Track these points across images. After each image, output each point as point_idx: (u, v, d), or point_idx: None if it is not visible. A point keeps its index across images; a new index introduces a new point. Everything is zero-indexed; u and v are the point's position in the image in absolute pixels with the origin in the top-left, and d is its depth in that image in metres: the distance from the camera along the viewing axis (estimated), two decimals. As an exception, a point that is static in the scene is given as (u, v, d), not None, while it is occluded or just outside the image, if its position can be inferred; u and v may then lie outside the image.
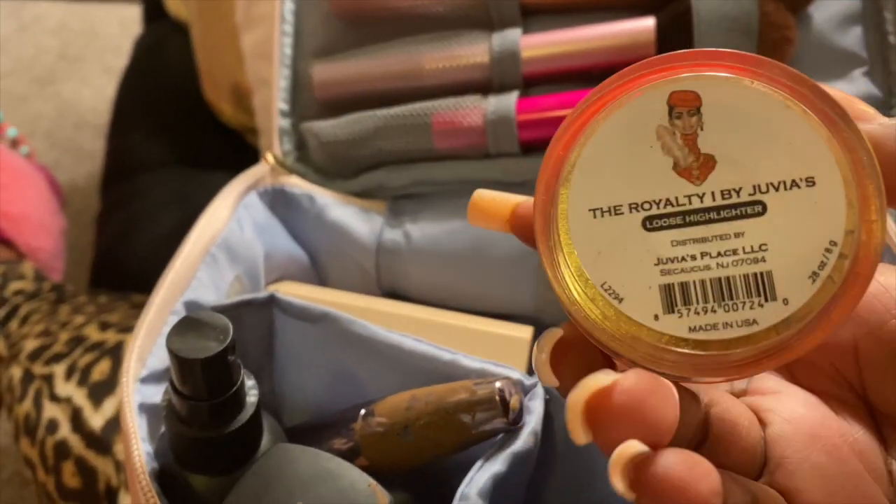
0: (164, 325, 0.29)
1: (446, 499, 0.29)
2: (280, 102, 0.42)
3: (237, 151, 0.76)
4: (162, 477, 0.25)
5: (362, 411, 0.29)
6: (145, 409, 0.27)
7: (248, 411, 0.24)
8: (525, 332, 0.35)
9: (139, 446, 0.25)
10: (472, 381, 0.28)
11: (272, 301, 0.31)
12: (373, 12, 0.41)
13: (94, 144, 1.23)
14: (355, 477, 0.24)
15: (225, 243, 0.34)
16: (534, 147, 0.39)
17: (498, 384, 0.27)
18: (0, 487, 0.93)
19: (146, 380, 0.27)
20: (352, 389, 0.31)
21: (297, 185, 0.40)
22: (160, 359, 0.28)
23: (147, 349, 0.29)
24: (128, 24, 1.38)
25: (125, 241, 0.72)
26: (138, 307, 0.60)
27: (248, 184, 0.39)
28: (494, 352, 0.33)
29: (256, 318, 0.31)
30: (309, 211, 0.40)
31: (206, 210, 0.35)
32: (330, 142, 0.40)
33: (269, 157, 0.41)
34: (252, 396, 0.25)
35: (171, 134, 0.77)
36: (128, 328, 0.54)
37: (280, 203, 0.40)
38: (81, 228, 1.14)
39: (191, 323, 0.24)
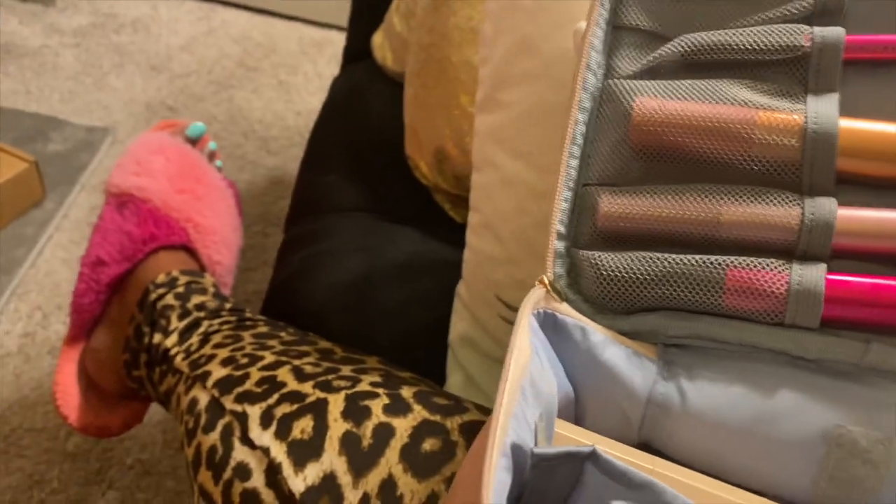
0: (499, 470, 0.27)
1: None
2: (558, 224, 0.40)
3: (425, 208, 0.75)
4: None
5: None
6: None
7: None
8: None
9: None
10: None
11: (592, 456, 0.29)
12: (676, 151, 0.39)
13: (256, 154, 1.24)
14: None
15: (531, 377, 0.32)
16: (833, 325, 0.36)
17: None
18: (122, 473, 0.95)
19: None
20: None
21: (567, 313, 0.38)
22: None
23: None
24: (305, 43, 1.41)
25: (306, 278, 0.71)
26: (326, 356, 0.59)
27: (530, 307, 0.36)
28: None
29: (567, 469, 0.29)
30: (580, 344, 0.38)
31: (514, 337, 0.33)
32: (610, 276, 0.38)
33: (545, 280, 0.38)
34: None
35: (364, 180, 0.76)
36: (327, 386, 0.52)
37: (549, 328, 0.38)
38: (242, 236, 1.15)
39: None
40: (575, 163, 0.40)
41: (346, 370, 0.55)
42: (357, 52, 0.89)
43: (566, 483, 0.29)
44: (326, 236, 0.72)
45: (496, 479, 0.27)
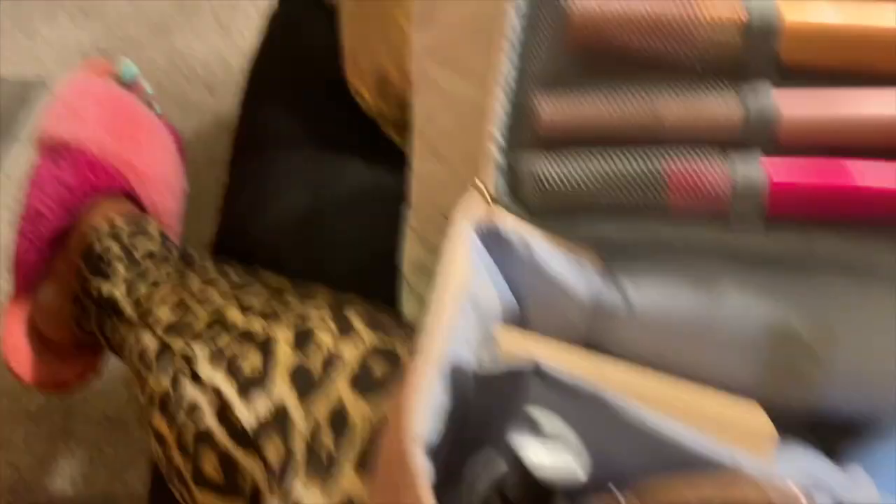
0: (436, 393, 0.26)
1: None
2: (495, 132, 0.38)
3: (371, 138, 0.72)
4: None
5: (611, 485, 0.26)
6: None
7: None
8: (760, 416, 0.31)
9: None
10: (761, 481, 0.25)
11: (536, 371, 0.28)
12: (616, 51, 0.36)
13: (202, 98, 1.19)
14: None
15: (470, 293, 0.30)
16: (776, 220, 0.35)
17: (797, 489, 0.24)
18: (89, 428, 0.93)
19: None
20: (601, 468, 0.28)
21: (510, 226, 0.37)
22: (427, 426, 0.25)
23: (420, 416, 0.25)
24: (243, -19, 1.34)
25: (254, 217, 0.69)
26: (275, 292, 0.57)
27: (471, 220, 0.35)
28: (732, 438, 0.29)
29: (511, 386, 0.28)
30: (522, 255, 0.36)
31: (447, 250, 0.31)
32: (550, 182, 0.36)
33: (483, 192, 0.37)
34: None
35: (306, 112, 0.73)
36: (274, 318, 0.51)
37: (491, 242, 0.36)
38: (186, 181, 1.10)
39: (533, 425, 0.20)
40: (512, 67, 0.38)
41: (295, 304, 0.53)
42: (292, -17, 0.84)
43: (511, 399, 0.28)
44: (271, 173, 0.70)
45: (433, 401, 0.26)
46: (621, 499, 0.26)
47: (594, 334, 0.36)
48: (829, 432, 0.37)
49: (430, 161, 0.56)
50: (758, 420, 0.31)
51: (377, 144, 0.71)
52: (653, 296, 0.35)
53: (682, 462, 0.26)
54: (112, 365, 0.92)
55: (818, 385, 0.34)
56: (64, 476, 0.88)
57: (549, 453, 0.19)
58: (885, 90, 0.34)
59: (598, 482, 0.27)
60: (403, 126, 0.71)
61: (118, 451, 0.92)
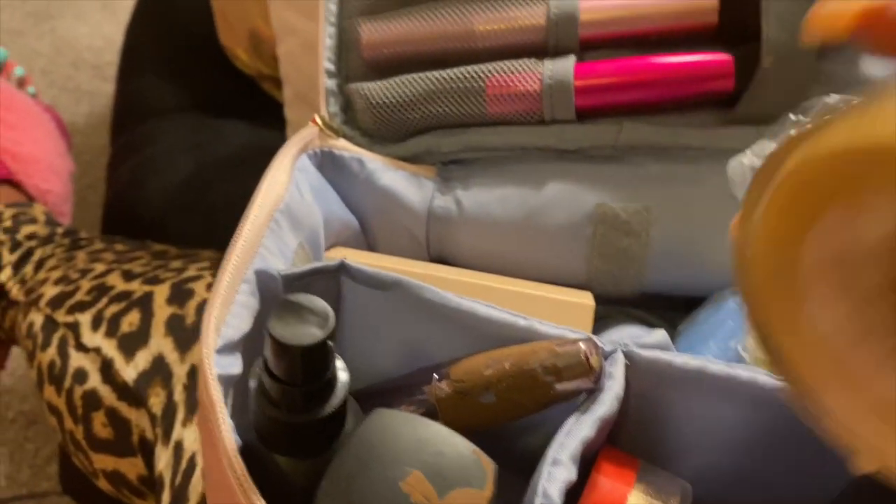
0: (237, 294, 0.28)
1: (510, 458, 0.29)
2: (325, 62, 0.40)
3: (251, 98, 0.73)
4: (244, 455, 0.24)
5: (435, 375, 0.29)
6: (222, 380, 0.26)
7: (339, 395, 0.23)
8: (586, 297, 0.35)
9: (227, 423, 0.24)
10: (552, 341, 0.28)
11: (342, 268, 0.30)
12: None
13: (92, 84, 1.18)
14: (458, 442, 0.24)
15: (287, 209, 0.32)
16: (589, 114, 0.38)
17: (581, 344, 0.27)
18: (5, 427, 0.93)
19: (221, 351, 0.26)
20: (422, 357, 0.31)
21: (345, 148, 0.39)
22: (235, 328, 0.27)
23: (221, 319, 0.28)
24: (124, -41, 1.32)
25: (139, 186, 0.70)
26: (159, 257, 0.59)
27: (300, 146, 0.37)
28: (557, 319, 0.31)
29: (325, 285, 0.30)
30: (358, 175, 0.39)
31: (267, 173, 0.33)
32: (379, 104, 0.39)
33: (317, 119, 0.39)
34: (343, 379, 0.24)
35: (184, 78, 0.74)
36: (154, 279, 0.53)
37: (328, 166, 0.39)
38: (82, 169, 1.10)
39: (291, 306, 0.23)
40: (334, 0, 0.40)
41: (175, 263, 0.55)
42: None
43: (328, 301, 0.31)
44: (152, 141, 0.70)
45: (239, 303, 0.28)
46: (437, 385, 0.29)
47: (434, 242, 0.39)
48: (664, 309, 0.40)
49: (300, 108, 0.58)
50: (579, 297, 0.34)
51: (258, 105, 0.72)
52: (482, 198, 0.38)
53: (486, 337, 0.29)
54: (23, 362, 0.92)
55: (644, 261, 0.37)
56: (-16, 478, 0.88)
57: (297, 324, 0.22)
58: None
59: (425, 372, 0.30)
60: (280, 81, 0.73)
61: (40, 447, 0.92)
